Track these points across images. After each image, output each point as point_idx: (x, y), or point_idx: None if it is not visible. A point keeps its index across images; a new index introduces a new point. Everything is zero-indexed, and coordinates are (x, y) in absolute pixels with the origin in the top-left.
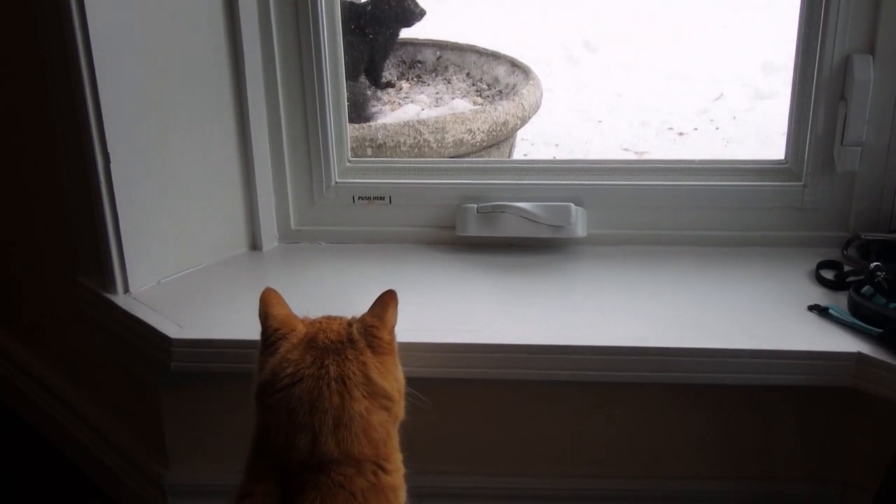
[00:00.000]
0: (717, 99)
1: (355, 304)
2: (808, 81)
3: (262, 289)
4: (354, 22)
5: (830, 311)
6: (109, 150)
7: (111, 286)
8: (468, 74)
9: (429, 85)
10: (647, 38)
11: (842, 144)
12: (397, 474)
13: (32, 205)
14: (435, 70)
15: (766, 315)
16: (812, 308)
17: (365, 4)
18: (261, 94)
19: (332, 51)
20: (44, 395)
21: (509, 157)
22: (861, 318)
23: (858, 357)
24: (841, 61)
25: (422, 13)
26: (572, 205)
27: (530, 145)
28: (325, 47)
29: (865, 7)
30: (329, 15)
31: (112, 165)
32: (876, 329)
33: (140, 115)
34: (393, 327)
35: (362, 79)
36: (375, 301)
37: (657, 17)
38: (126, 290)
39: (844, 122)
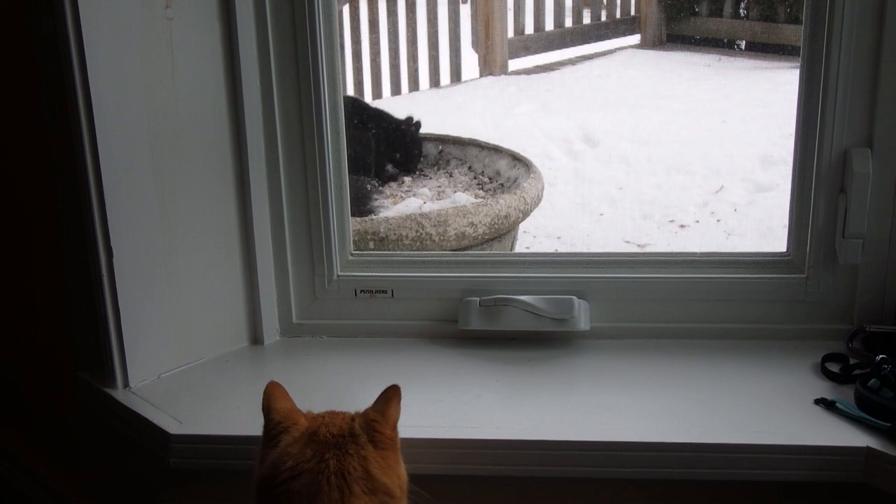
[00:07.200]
0: (717, 192)
1: (358, 398)
2: (807, 175)
3: (263, 384)
4: (357, 117)
5: (837, 405)
6: (113, 245)
7: (111, 381)
8: (470, 168)
9: (431, 178)
10: (648, 132)
11: (843, 237)
12: None
13: (33, 299)
14: (437, 164)
15: (772, 409)
16: (819, 402)
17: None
18: (264, 188)
19: (334, 145)
20: (40, 491)
21: (511, 249)
22: (869, 412)
23: (867, 452)
24: (840, 155)
25: (417, 125)
26: (574, 298)
27: (532, 238)
28: (328, 141)
29: (862, 101)
30: (332, 110)
31: (115, 259)
32: (884, 423)
33: (144, 209)
34: (396, 422)
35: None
36: (379, 396)
37: (657, 112)
38: (126, 384)
39: (845, 214)
